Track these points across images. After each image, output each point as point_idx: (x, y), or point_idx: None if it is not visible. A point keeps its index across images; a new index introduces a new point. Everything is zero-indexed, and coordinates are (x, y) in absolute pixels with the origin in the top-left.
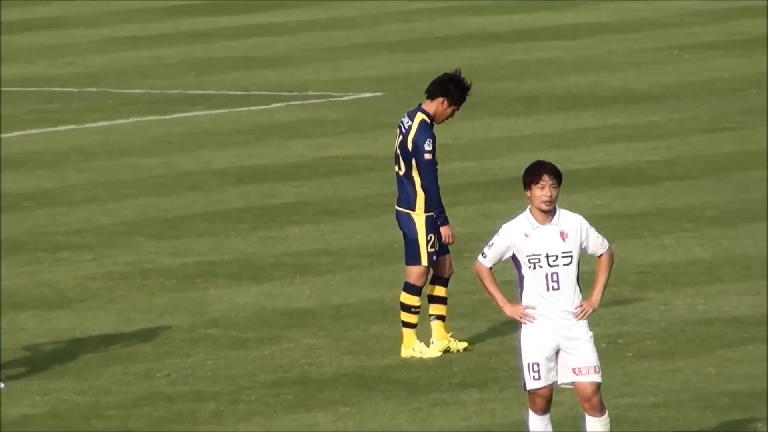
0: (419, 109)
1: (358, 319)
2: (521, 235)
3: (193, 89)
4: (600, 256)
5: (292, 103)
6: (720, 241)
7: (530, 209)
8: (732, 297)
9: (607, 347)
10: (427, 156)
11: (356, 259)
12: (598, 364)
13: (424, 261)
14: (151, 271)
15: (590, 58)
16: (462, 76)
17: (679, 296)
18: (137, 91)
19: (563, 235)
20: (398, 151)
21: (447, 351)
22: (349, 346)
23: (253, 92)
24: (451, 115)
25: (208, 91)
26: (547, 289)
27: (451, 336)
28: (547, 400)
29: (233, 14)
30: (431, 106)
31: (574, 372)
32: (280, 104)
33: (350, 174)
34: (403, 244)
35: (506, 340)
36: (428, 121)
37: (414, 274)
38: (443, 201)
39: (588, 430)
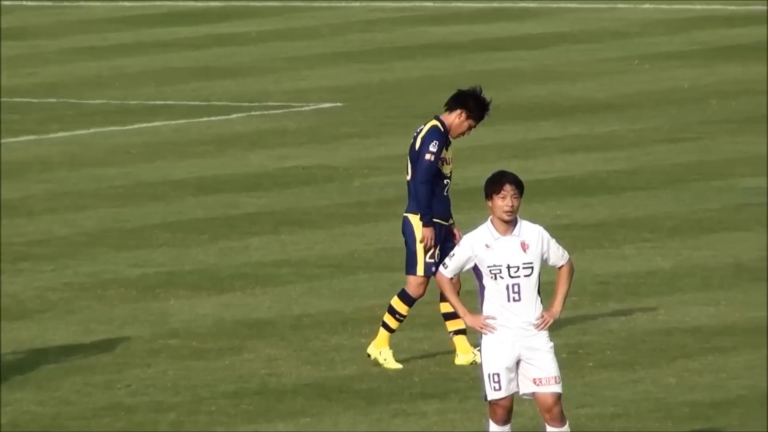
0: (435, 117)
1: (319, 329)
2: (482, 246)
3: (153, 100)
4: (560, 268)
5: (253, 113)
6: (680, 251)
7: (491, 220)
8: (692, 307)
9: (567, 357)
10: (428, 156)
11: (316, 270)
12: (559, 374)
13: (420, 271)
14: (112, 281)
15: (551, 67)
16: (482, 92)
17: (639, 306)
18: (97, 101)
19: (524, 246)
20: (408, 157)
21: (473, 363)
22: (310, 356)
23: (213, 102)
24: (468, 130)
25: (168, 102)
26: (508, 300)
27: (477, 350)
28: (507, 410)
29: (193, 24)
30: (448, 118)
31: (535, 383)
32: (240, 115)
33: (310, 184)
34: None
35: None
36: (441, 128)
37: (412, 284)
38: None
39: None
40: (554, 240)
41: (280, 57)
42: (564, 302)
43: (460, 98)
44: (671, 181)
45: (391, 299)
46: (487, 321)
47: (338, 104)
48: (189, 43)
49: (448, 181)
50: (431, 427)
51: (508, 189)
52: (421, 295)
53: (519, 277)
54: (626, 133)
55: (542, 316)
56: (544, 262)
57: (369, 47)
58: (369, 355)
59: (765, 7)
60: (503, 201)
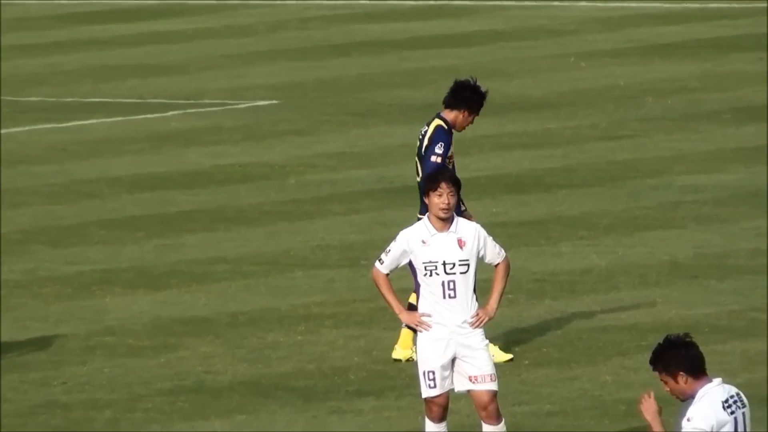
0: (437, 116)
1: (254, 326)
2: (419, 242)
3: (89, 97)
4: (497, 266)
5: (188, 111)
6: (616, 249)
7: (428, 216)
8: (628, 305)
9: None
10: (434, 158)
11: (252, 267)
12: (494, 372)
13: None
14: (47, 279)
15: (486, 65)
16: (476, 83)
17: (575, 304)
18: (33, 98)
19: (461, 243)
20: (416, 158)
21: (407, 360)
22: (246, 354)
23: (149, 100)
24: (471, 122)
25: (104, 99)
26: (444, 297)
27: (497, 347)
28: (443, 407)
29: (129, 22)
30: (450, 115)
31: (471, 380)
32: (176, 112)
33: (246, 182)
34: None
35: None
36: (445, 127)
37: None
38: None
39: None
40: (491, 238)
41: (216, 55)
42: (500, 300)
43: (460, 96)
44: (607, 178)
45: (409, 299)
46: (423, 318)
47: (274, 102)
48: (125, 41)
49: None
50: (367, 425)
51: (444, 186)
52: None
53: (455, 274)
54: (562, 131)
55: (477, 314)
56: (480, 260)
57: (305, 45)
58: (399, 360)
59: (699, 5)
60: (439, 198)
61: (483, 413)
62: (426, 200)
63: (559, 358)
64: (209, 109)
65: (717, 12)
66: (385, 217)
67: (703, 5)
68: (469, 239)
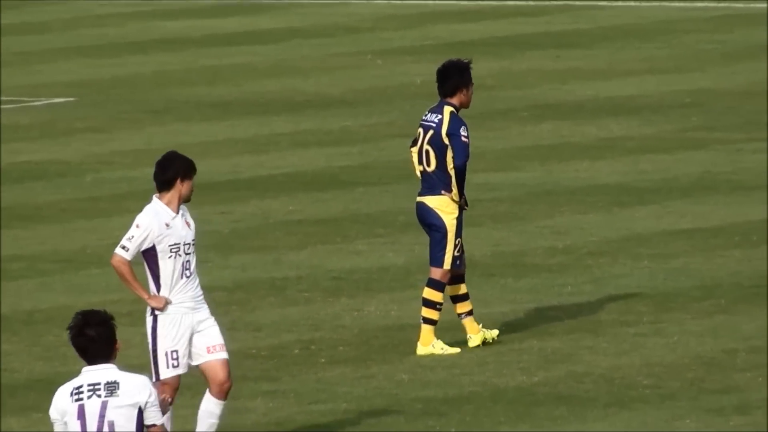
0: (444, 103)
1: (51, 324)
2: (163, 225)
3: None
4: None
5: None
6: (413, 246)
7: (165, 198)
8: None
9: (300, 353)
10: (465, 139)
11: (48, 265)
12: (224, 343)
13: (447, 265)
14: None
15: (283, 63)
16: (454, 60)
17: (372, 302)
18: None
19: (188, 225)
20: (427, 147)
21: (484, 342)
22: (42, 351)
23: None
24: (472, 92)
25: None
26: (182, 277)
27: (482, 327)
28: (174, 389)
29: None
30: (454, 99)
31: (208, 351)
32: None
33: (42, 179)
34: (429, 242)
35: None
36: (456, 111)
37: (438, 272)
38: None
39: (205, 407)
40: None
41: (12, 51)
42: None
43: (447, 80)
44: (404, 176)
45: (422, 293)
46: (167, 300)
47: (71, 99)
48: None
49: None
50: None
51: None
52: (448, 281)
53: (190, 254)
54: (359, 129)
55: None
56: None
57: (101, 42)
58: (423, 355)
59: (495, 3)
60: (190, 183)
61: (217, 388)
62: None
63: (355, 357)
64: (5, 106)
65: (513, 9)
66: None
67: (499, 3)
68: (192, 222)
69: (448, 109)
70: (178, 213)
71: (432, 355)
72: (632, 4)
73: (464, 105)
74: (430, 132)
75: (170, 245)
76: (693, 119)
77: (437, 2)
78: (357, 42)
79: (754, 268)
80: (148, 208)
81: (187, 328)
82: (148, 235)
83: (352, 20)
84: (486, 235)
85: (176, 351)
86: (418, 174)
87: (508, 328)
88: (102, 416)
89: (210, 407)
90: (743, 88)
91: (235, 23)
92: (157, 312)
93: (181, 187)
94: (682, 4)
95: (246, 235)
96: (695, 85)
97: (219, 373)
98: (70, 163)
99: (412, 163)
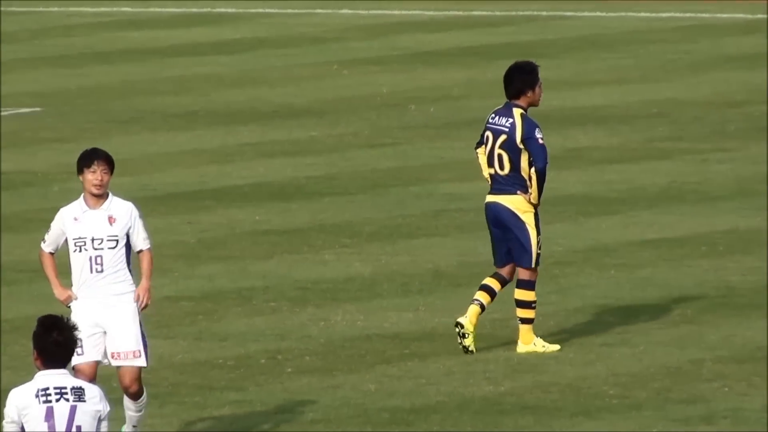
0: (513, 105)
1: (17, 334)
2: (71, 219)
3: None
4: (141, 253)
5: None
6: (379, 257)
7: (84, 195)
8: (391, 313)
9: (266, 363)
10: (542, 141)
11: (15, 275)
12: (140, 349)
13: (533, 263)
14: None
15: (249, 73)
16: (519, 63)
17: (338, 312)
18: None
19: (111, 220)
20: (500, 151)
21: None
22: (9, 361)
23: None
24: (541, 91)
25: None
26: (91, 271)
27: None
28: (89, 378)
29: None
30: (523, 101)
31: (114, 357)
32: None
33: (9, 189)
34: (502, 244)
35: (164, 355)
36: (526, 112)
37: (526, 272)
38: None
39: (125, 404)
40: (143, 223)
41: None
42: (150, 278)
43: (517, 84)
44: (370, 186)
45: (514, 295)
46: (74, 292)
47: (37, 109)
48: None
49: None
50: None
51: (97, 164)
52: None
53: (103, 249)
54: (325, 139)
55: (138, 294)
56: (130, 239)
57: (68, 52)
58: (522, 352)
59: (462, 13)
60: (93, 175)
61: (125, 390)
62: (81, 178)
63: (322, 367)
64: None
65: (480, 20)
66: (148, 224)
67: (466, 13)
68: (121, 217)
69: (518, 112)
70: (96, 208)
71: (533, 353)
72: (598, 14)
73: (533, 104)
74: (503, 136)
75: (74, 239)
76: (659, 129)
77: (403, 12)
78: (323, 52)
79: (720, 278)
80: (72, 203)
81: (94, 322)
82: (61, 228)
83: (318, 30)
84: (452, 245)
85: (80, 340)
86: (487, 176)
87: (474, 338)
88: (71, 420)
89: (126, 401)
90: (709, 99)
91: (201, 33)
92: (66, 303)
93: (84, 182)
94: (648, 14)
95: (212, 245)
96: (661, 95)
97: (122, 379)
98: (37, 173)
99: (480, 164)
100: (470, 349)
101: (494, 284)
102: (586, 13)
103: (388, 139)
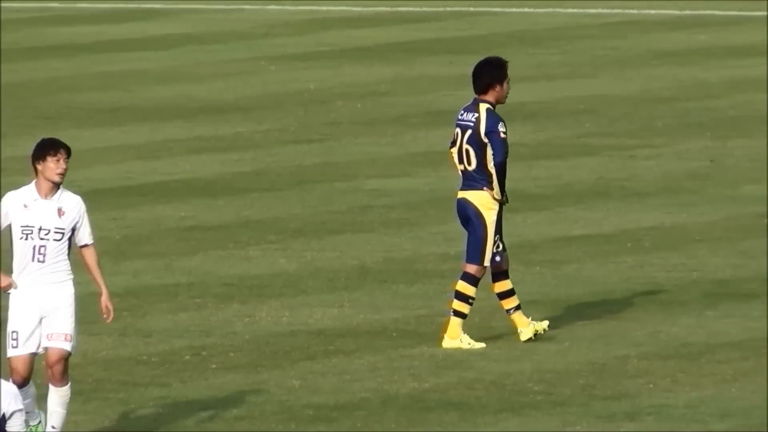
0: (480, 101)
1: None
2: (20, 206)
3: None
4: (84, 248)
5: None
6: (304, 253)
7: (35, 183)
8: (316, 309)
9: (191, 359)
10: (503, 135)
11: None
12: (72, 334)
13: (486, 262)
14: None
15: (176, 69)
16: (488, 58)
17: (263, 308)
18: None
19: (60, 212)
20: (467, 146)
21: (536, 335)
22: None
23: None
24: (509, 88)
25: None
26: (33, 260)
27: (531, 320)
28: (24, 375)
29: None
30: (489, 97)
31: (48, 337)
32: None
33: None
34: (467, 238)
35: (89, 351)
36: (493, 108)
37: (474, 268)
38: None
39: (49, 399)
40: (88, 218)
41: None
42: (105, 281)
43: (484, 79)
44: (296, 182)
45: (455, 286)
46: (14, 280)
47: None
48: None
49: None
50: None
51: (62, 153)
52: (483, 275)
53: (48, 240)
54: (252, 135)
55: (105, 306)
56: (74, 234)
57: None
58: (448, 348)
59: (390, 9)
60: (57, 164)
61: (49, 372)
62: (39, 165)
63: (246, 363)
64: None
65: (407, 16)
66: None
67: (393, 9)
68: (70, 210)
69: (483, 107)
70: (48, 198)
71: (459, 349)
72: (526, 10)
73: (500, 101)
74: (468, 131)
75: (22, 226)
76: (586, 125)
77: (330, 8)
78: (250, 48)
79: (646, 275)
80: (21, 189)
81: (33, 311)
82: (6, 212)
83: (245, 26)
84: (378, 241)
85: (16, 332)
86: (459, 173)
87: (399, 334)
88: None
89: (52, 397)
90: (637, 95)
91: (127, 29)
92: (9, 291)
93: (39, 171)
94: (575, 10)
95: (138, 241)
96: (589, 91)
97: (49, 358)
98: None
99: (452, 162)
100: (539, 333)
101: (503, 285)
102: (514, 9)
103: (314, 135)
